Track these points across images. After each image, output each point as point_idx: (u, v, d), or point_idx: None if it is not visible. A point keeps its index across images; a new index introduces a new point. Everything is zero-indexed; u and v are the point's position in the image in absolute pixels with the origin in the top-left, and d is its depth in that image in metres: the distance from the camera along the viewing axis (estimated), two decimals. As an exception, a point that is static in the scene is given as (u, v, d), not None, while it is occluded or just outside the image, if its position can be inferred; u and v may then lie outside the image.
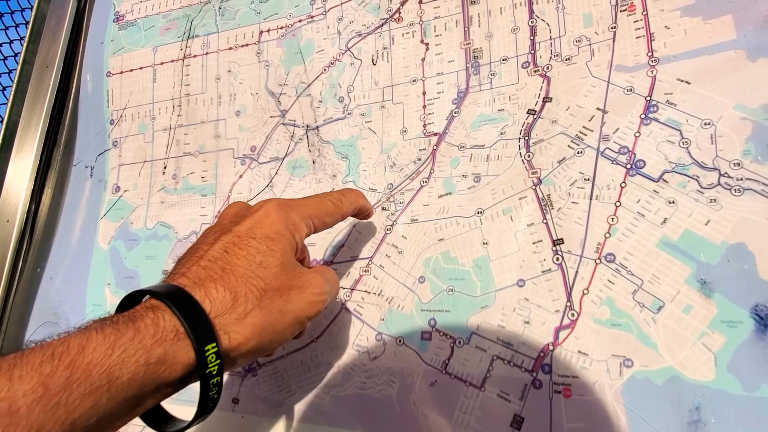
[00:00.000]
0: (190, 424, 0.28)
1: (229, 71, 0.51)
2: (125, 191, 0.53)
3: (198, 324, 0.25)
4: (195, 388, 0.26)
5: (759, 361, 0.29)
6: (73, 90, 0.58)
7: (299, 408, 0.41)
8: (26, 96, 0.58)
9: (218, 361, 0.25)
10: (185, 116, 0.52)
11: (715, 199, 0.31)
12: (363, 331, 0.40)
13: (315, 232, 0.34)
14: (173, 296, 0.26)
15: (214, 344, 0.25)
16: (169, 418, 0.29)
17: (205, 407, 0.27)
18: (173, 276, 0.29)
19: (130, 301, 0.28)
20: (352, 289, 0.41)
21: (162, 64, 0.54)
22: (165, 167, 0.51)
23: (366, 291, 0.41)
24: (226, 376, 0.44)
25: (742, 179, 0.31)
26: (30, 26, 0.59)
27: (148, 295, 0.28)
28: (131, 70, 0.55)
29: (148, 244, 0.50)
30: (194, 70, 0.52)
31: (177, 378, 0.25)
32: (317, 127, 0.46)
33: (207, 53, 0.52)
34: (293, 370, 0.42)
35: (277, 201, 0.32)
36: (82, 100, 0.57)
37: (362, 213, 0.39)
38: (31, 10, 0.60)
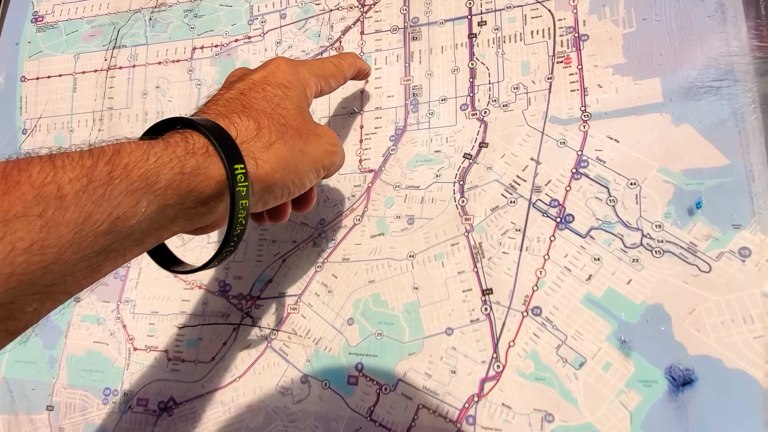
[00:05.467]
0: (213, 259, 0.27)
1: (158, 87, 0.48)
2: (36, 208, 0.49)
3: (226, 145, 0.25)
4: None
5: (671, 421, 0.30)
6: (-18, 93, 0.53)
7: (217, 452, 0.39)
8: (-74, 95, 0.52)
9: (246, 183, 0.25)
10: (107, 131, 0.48)
11: (637, 259, 0.32)
12: (288, 372, 0.39)
13: (321, 95, 0.35)
14: (199, 121, 0.26)
15: (242, 165, 0.25)
16: (179, 262, 0.30)
17: (230, 235, 0.26)
18: (195, 116, 0.28)
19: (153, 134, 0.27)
20: (278, 330, 0.40)
21: (84, 73, 0.50)
22: (82, 185, 0.48)
23: (293, 331, 0.39)
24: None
25: (662, 241, 0.32)
26: (-66, 18, 0.54)
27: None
28: (49, 77, 0.51)
29: (59, 268, 0.47)
30: (119, 83, 0.49)
31: (209, 195, 0.25)
32: (249, 153, 0.44)
33: (134, 66, 0.49)
34: (212, 411, 0.40)
35: (285, 58, 0.33)
36: (-9, 104, 0.52)
37: (361, 74, 0.39)
38: (-63, 0, 0.55)
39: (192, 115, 0.29)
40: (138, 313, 0.44)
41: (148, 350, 0.43)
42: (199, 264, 0.29)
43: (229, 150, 0.25)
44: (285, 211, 0.33)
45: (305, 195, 0.33)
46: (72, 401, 0.44)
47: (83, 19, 0.51)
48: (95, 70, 0.50)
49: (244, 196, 0.26)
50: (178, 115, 0.27)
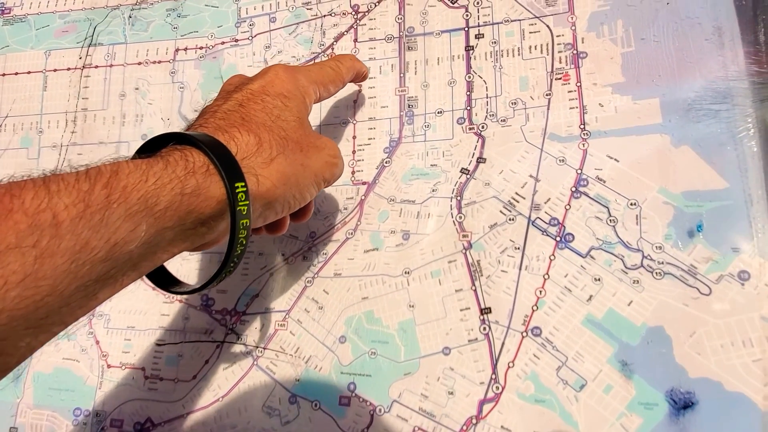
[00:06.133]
0: (212, 279, 0.26)
1: (137, 89, 0.45)
2: (0, 214, 0.45)
3: (226, 162, 0.24)
4: None
5: (671, 444, 0.30)
6: (-60, 88, 0.49)
7: (198, 476, 0.37)
8: None
9: (247, 201, 0.24)
10: (80, 134, 0.45)
11: (638, 281, 0.32)
12: (275, 391, 0.37)
13: (319, 101, 0.34)
14: (199, 137, 0.25)
15: (243, 183, 0.24)
16: (177, 282, 0.29)
17: (231, 255, 0.25)
18: (191, 130, 0.27)
19: (149, 150, 0.26)
20: (265, 348, 0.38)
21: (55, 71, 0.47)
22: (52, 191, 0.45)
23: (281, 349, 0.38)
24: None
25: (663, 263, 0.32)
26: None
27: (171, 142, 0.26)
28: (16, 74, 0.48)
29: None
30: (95, 83, 0.46)
31: (209, 215, 0.24)
32: (236, 162, 0.42)
33: (111, 65, 0.46)
34: (193, 433, 0.38)
35: (283, 65, 0.32)
36: (-50, 101, 0.49)
37: (359, 76, 0.38)
38: None
39: (189, 129, 0.27)
40: (112, 327, 0.41)
41: (123, 367, 0.40)
42: (189, 281, 0.28)
43: (229, 168, 0.24)
44: (284, 224, 0.32)
45: (303, 206, 0.32)
46: (38, 422, 0.41)
47: (55, 13, 0.48)
48: (68, 69, 0.47)
49: (245, 215, 0.25)
50: (176, 131, 0.26)
